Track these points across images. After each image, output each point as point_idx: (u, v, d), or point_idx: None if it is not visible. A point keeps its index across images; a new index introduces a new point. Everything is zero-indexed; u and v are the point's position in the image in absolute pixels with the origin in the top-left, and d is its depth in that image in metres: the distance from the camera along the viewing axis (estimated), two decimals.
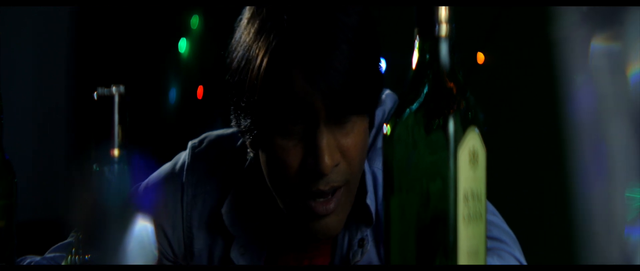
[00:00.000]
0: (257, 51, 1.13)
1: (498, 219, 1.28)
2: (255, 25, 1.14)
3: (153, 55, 2.91)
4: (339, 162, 1.15)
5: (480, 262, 0.75)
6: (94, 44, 2.97)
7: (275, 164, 1.16)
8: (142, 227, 0.76)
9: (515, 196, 1.92)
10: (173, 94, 2.89)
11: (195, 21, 2.84)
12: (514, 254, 1.23)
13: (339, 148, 1.14)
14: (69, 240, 1.30)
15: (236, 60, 1.16)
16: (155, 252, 0.77)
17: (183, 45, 2.85)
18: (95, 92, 0.83)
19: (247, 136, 1.19)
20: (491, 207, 1.30)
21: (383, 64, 1.22)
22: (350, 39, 1.12)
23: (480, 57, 2.30)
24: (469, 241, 0.73)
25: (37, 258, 1.30)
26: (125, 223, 0.76)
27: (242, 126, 1.18)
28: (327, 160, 1.12)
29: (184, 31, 2.86)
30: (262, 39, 1.13)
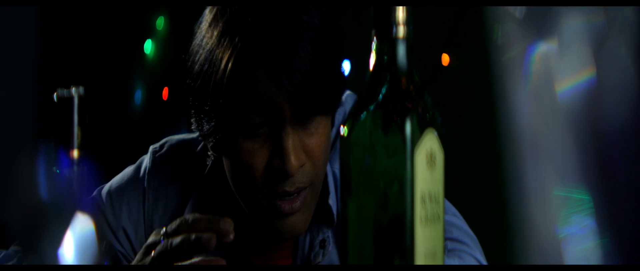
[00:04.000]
0: (221, 54, 1.12)
1: (459, 220, 1.29)
2: (219, 28, 1.13)
3: (118, 56, 2.90)
4: (304, 162, 1.15)
5: (438, 263, 0.75)
6: (59, 45, 2.95)
7: (240, 166, 1.16)
8: (91, 231, 0.75)
9: (473, 197, 1.93)
10: (138, 96, 2.88)
11: (160, 22, 2.83)
12: (475, 255, 1.23)
13: (304, 148, 1.14)
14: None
15: (198, 63, 1.15)
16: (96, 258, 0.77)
17: (149, 46, 2.84)
18: (54, 93, 0.82)
19: (210, 140, 1.18)
20: (452, 209, 1.31)
21: (347, 65, 1.23)
22: (314, 40, 1.12)
23: (445, 59, 2.31)
24: (426, 243, 0.73)
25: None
26: (79, 226, 0.75)
27: (205, 130, 1.18)
28: (293, 161, 1.12)
29: (149, 32, 2.85)
30: (226, 42, 1.12)
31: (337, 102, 1.20)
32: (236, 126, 1.13)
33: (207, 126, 1.17)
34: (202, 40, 1.15)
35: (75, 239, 0.74)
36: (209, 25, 1.15)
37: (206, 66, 1.13)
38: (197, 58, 1.15)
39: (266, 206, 1.17)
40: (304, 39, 1.11)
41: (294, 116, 1.12)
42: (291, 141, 1.12)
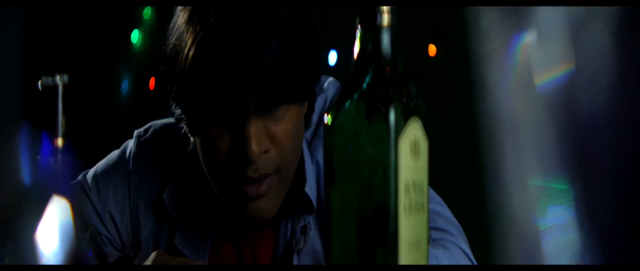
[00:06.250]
0: (185, 41, 1.12)
1: (444, 210, 1.29)
2: (186, 15, 1.14)
3: (104, 44, 2.89)
4: (268, 149, 1.14)
5: (422, 253, 0.75)
6: (44, 32, 2.94)
7: (207, 150, 1.17)
8: (74, 218, 0.75)
9: (457, 186, 1.93)
10: (124, 85, 2.88)
11: (147, 12, 2.82)
12: (459, 245, 1.24)
13: (269, 134, 1.14)
14: None
15: (169, 48, 1.16)
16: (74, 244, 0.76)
17: (136, 36, 2.83)
18: (39, 82, 0.82)
19: (183, 123, 1.20)
20: (437, 198, 1.31)
21: (333, 55, 1.22)
22: (280, 32, 1.11)
23: (432, 50, 2.31)
24: (410, 232, 0.73)
25: None
26: (62, 213, 0.75)
27: (176, 114, 1.19)
28: (254, 147, 1.12)
29: (137, 21, 2.84)
30: (190, 30, 1.12)
31: (306, 91, 1.19)
32: (201, 112, 1.14)
33: (178, 111, 1.18)
34: (174, 24, 1.16)
35: (58, 227, 0.74)
36: (182, 10, 1.16)
37: (174, 52, 1.14)
38: (169, 41, 1.16)
39: (233, 190, 1.17)
40: (268, 32, 1.10)
41: (257, 106, 1.12)
42: (253, 128, 1.12)
